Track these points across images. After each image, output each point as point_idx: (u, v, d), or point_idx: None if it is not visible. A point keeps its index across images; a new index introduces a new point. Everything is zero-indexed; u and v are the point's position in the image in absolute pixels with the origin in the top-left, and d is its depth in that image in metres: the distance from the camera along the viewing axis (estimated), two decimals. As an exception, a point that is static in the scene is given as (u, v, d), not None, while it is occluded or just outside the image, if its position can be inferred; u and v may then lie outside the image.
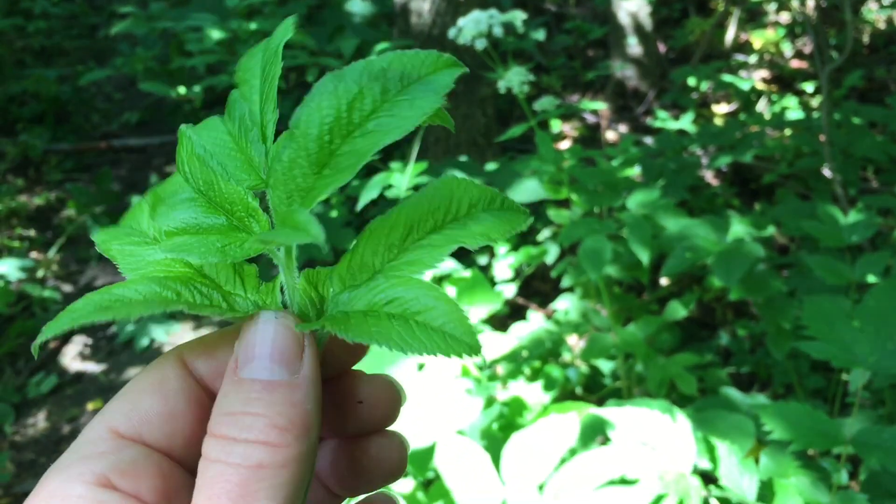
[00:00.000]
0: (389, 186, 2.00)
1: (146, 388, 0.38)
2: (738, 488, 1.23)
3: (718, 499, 1.32)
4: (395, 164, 2.00)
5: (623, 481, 1.18)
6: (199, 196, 0.40)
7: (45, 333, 0.36)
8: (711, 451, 1.29)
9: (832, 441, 1.31)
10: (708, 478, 1.41)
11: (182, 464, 0.38)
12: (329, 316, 0.39)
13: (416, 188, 1.96)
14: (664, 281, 2.92)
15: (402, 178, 1.99)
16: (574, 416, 1.24)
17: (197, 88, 2.68)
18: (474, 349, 0.36)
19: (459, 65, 0.38)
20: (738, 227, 2.31)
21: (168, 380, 0.38)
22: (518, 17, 1.94)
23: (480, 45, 1.87)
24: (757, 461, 1.43)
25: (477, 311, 2.10)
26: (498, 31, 1.90)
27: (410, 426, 1.34)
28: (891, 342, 1.31)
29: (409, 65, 0.37)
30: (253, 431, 0.32)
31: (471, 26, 1.89)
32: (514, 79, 1.91)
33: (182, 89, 2.68)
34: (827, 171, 2.68)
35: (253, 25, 2.40)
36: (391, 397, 0.43)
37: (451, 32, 1.92)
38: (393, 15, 3.10)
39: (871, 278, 1.95)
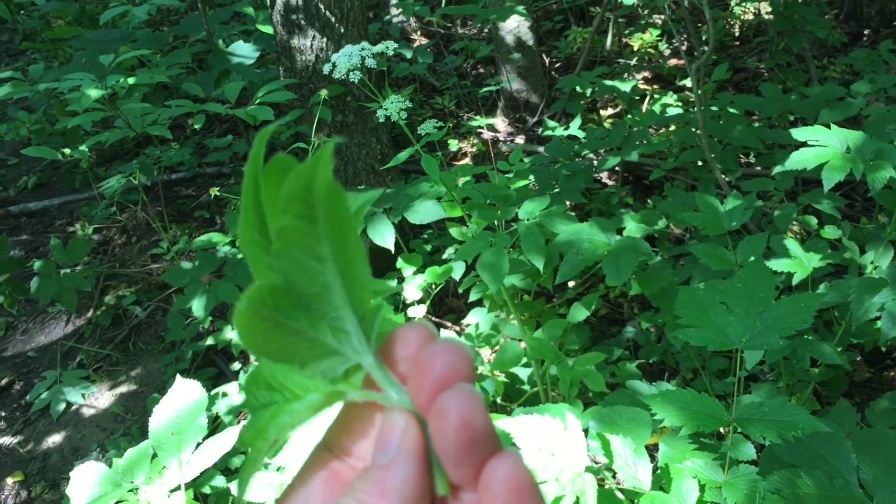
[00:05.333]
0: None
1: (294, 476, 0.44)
2: (632, 478, 1.29)
3: (621, 490, 1.38)
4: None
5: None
6: None
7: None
8: (607, 447, 1.35)
9: (719, 421, 1.38)
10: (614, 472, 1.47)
11: None
12: None
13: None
14: (572, 283, 3.00)
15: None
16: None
17: (83, 147, 2.64)
18: None
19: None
20: (631, 225, 2.40)
21: (308, 464, 0.44)
22: (389, 46, 1.98)
23: (355, 77, 1.91)
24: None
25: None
26: (371, 63, 1.94)
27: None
28: (759, 321, 1.39)
29: None
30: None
31: (343, 60, 1.92)
32: (391, 107, 1.96)
33: (67, 150, 2.64)
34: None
35: (131, 80, 2.39)
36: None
37: (326, 68, 1.95)
38: (278, 53, 3.12)
39: (752, 260, 2.06)
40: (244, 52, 3.22)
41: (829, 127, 1.98)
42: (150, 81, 2.51)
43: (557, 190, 2.85)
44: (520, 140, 4.09)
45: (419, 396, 0.40)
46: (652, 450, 1.83)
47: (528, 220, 2.30)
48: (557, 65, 4.68)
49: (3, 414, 3.22)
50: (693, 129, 3.06)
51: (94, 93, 2.22)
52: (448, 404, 0.38)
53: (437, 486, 0.39)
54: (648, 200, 3.30)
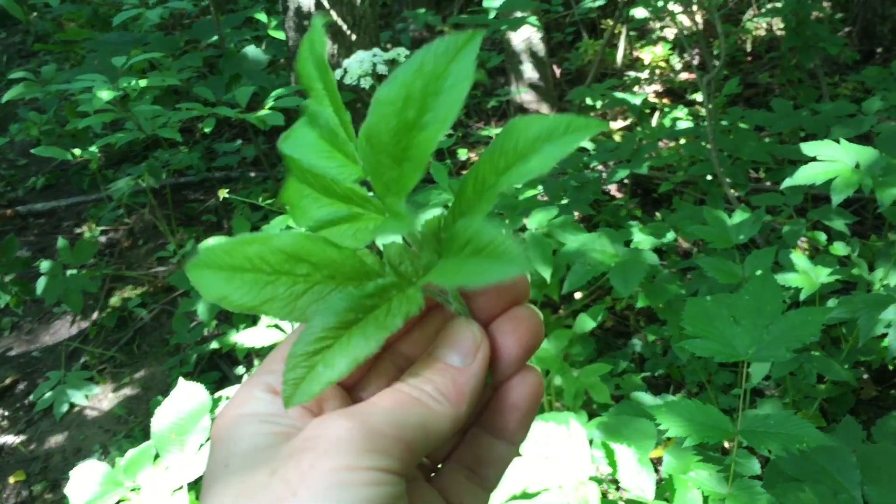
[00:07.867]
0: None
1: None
2: (637, 488, 1.28)
3: (625, 500, 1.37)
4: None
5: (525, 495, 1.21)
6: (321, 196, 0.47)
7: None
8: (611, 456, 1.34)
9: (723, 433, 1.37)
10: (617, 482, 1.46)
11: None
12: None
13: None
14: (578, 295, 3.00)
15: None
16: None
17: (93, 148, 2.65)
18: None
19: (477, 35, 0.42)
20: (639, 237, 2.39)
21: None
22: (402, 53, 1.99)
23: (366, 83, 1.91)
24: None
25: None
26: (382, 69, 1.94)
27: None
28: (766, 333, 1.38)
29: (438, 58, 0.42)
30: (425, 387, 0.46)
31: (355, 66, 1.92)
32: (401, 114, 1.96)
33: (77, 151, 2.65)
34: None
35: (143, 83, 2.40)
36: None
37: (338, 73, 1.96)
38: (289, 59, 3.13)
39: (761, 272, 2.05)
40: (255, 57, 3.23)
41: (839, 142, 1.98)
42: (161, 84, 2.52)
43: (566, 201, 2.85)
44: (529, 151, 4.09)
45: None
46: (656, 462, 1.81)
47: (535, 229, 2.29)
48: (568, 77, 4.69)
49: (7, 413, 3.22)
50: (703, 143, 3.06)
51: (106, 94, 2.23)
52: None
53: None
54: (657, 213, 3.30)
